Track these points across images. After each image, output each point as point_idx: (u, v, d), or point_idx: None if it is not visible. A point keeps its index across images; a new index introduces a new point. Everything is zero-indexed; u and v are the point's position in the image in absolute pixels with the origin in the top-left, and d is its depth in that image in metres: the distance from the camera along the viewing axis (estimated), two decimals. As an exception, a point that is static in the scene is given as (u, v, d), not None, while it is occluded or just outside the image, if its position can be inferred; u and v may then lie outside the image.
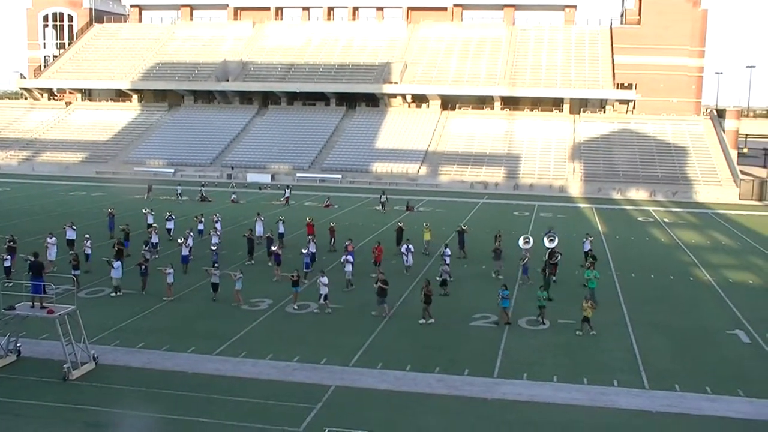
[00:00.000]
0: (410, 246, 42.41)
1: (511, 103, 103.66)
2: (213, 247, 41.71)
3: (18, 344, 26.78)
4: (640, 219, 66.56)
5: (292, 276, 34.56)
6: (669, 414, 23.30)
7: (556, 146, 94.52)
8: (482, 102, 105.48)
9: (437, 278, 37.49)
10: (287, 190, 70.85)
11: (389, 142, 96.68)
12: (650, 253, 50.47)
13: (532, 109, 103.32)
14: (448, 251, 41.84)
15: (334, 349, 28.48)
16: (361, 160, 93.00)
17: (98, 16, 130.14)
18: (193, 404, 23.16)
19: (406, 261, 41.79)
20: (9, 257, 37.94)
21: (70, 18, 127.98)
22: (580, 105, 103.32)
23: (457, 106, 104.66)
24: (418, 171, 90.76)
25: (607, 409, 23.52)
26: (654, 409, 23.56)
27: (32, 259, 28.52)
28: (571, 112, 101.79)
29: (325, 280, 33.71)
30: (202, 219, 50.90)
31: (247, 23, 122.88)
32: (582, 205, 74.37)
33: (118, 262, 35.92)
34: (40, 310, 25.77)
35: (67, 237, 43.65)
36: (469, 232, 48.91)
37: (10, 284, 29.19)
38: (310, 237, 44.61)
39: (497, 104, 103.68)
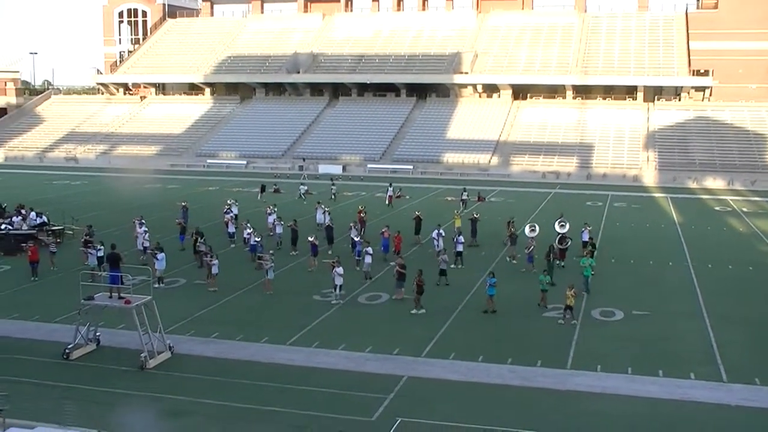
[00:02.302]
0: (441, 231, 42.48)
1: (583, 91, 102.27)
2: (257, 239, 41.63)
3: (97, 333, 27.46)
4: (716, 208, 65.13)
5: (333, 262, 34.70)
6: (748, 408, 22.76)
7: (629, 135, 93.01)
8: (554, 91, 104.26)
9: (442, 266, 36.94)
10: (333, 188, 68.28)
11: (460, 133, 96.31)
12: (728, 243, 49.34)
13: (604, 98, 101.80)
14: (461, 238, 41.71)
15: (407, 339, 28.50)
16: (432, 151, 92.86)
17: (171, 12, 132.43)
18: (265, 394, 23.43)
19: (437, 246, 41.67)
20: (101, 248, 38.53)
21: (144, 14, 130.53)
22: (655, 93, 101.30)
23: (528, 95, 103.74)
24: (490, 161, 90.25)
25: (683, 402, 23.08)
26: (733, 403, 23.04)
27: (111, 251, 29.18)
28: (645, 100, 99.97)
29: (340, 270, 33.72)
30: (275, 209, 51.06)
31: (317, 15, 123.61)
32: (656, 195, 73.08)
33: (162, 254, 36.45)
34: (118, 300, 26.30)
35: (136, 231, 44.35)
36: (481, 220, 48.78)
37: (103, 273, 29.65)
38: (351, 224, 44.92)
39: (569, 93, 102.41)
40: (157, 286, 34.84)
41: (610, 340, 28.86)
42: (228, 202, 53.94)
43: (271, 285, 35.07)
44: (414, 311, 32.16)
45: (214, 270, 35.73)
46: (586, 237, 43.24)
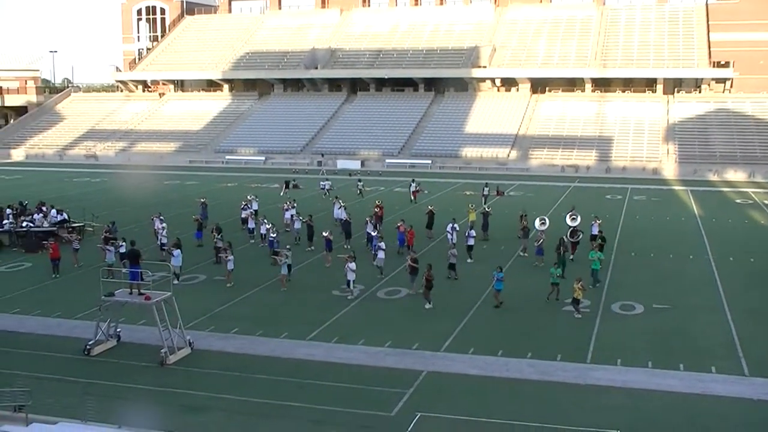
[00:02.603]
0: (455, 225, 42.46)
1: (602, 84, 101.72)
2: (273, 235, 41.63)
3: (118, 330, 27.67)
4: (738, 201, 64.66)
5: (347, 257, 34.95)
6: (770, 401, 22.64)
7: (649, 128, 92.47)
8: (572, 84, 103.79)
9: (451, 260, 36.97)
10: (360, 183, 67.93)
11: (478, 127, 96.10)
12: (749, 236, 48.96)
13: (624, 90, 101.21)
14: (473, 232, 41.69)
15: (426, 334, 28.51)
16: (450, 145, 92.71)
17: (189, 8, 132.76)
18: (285, 389, 23.49)
19: (450, 240, 41.61)
20: (123, 244, 38.72)
21: (162, 11, 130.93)
22: (674, 85, 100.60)
23: (547, 88, 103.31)
24: (508, 155, 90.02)
25: (704, 396, 22.95)
26: (755, 397, 22.88)
27: (131, 246, 29.33)
28: (664, 93, 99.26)
29: (352, 265, 33.70)
30: (295, 204, 51.04)
31: (334, 11, 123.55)
32: (677, 188, 72.65)
33: (178, 251, 36.49)
34: (138, 296, 26.45)
35: (155, 227, 44.46)
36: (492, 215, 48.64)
37: (123, 270, 29.82)
38: (368, 219, 44.95)
39: (588, 86, 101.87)
40: (176, 282, 34.65)
41: (631, 333, 28.73)
42: (248, 197, 54.03)
43: (285, 281, 35.16)
44: (427, 306, 32.15)
45: (230, 266, 35.85)
46: (595, 230, 43.02)
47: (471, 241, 41.04)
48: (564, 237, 39.64)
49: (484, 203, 57.79)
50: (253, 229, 45.88)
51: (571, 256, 39.62)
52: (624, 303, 32.55)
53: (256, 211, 50.24)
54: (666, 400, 22.65)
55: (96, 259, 38.92)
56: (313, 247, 43.00)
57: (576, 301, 30.77)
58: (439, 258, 37.54)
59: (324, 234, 40.75)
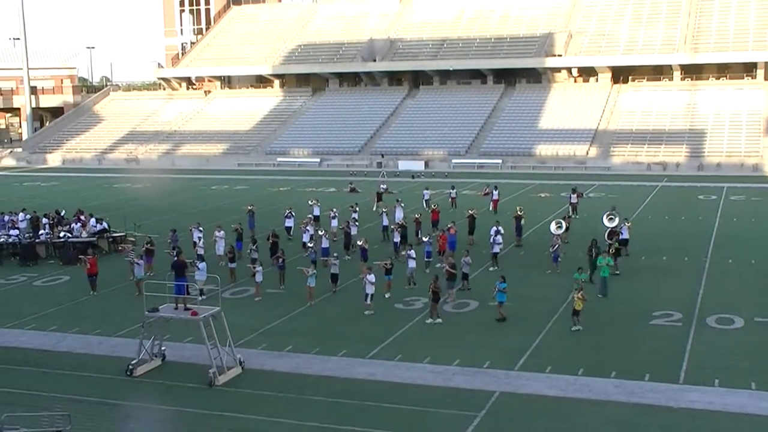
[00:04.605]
0: (500, 228, 42.50)
1: (693, 71, 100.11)
2: (310, 245, 41.73)
3: (162, 348, 27.97)
4: None
5: (386, 264, 35.17)
6: None
7: (747, 119, 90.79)
8: (659, 72, 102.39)
9: (464, 269, 36.80)
10: (382, 186, 67.03)
11: (554, 122, 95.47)
12: None
13: (718, 78, 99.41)
14: (499, 238, 41.51)
15: (498, 351, 28.39)
16: (522, 143, 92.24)
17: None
18: (345, 411, 23.58)
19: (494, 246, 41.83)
20: (145, 258, 39.31)
21: (207, 1, 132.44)
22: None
23: (630, 78, 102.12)
24: (587, 152, 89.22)
25: (815, 420, 22.48)
26: None
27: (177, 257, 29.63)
28: (766, 79, 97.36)
29: (371, 278, 33.63)
30: (357, 209, 51.21)
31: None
32: (780, 186, 71.29)
33: (203, 263, 35.54)
34: (184, 311, 26.69)
35: (193, 239, 44.78)
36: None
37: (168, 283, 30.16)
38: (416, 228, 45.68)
39: (676, 74, 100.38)
40: (201, 298, 32.84)
41: (729, 350, 28.22)
42: (309, 202, 54.87)
43: (312, 293, 35.29)
44: (429, 321, 32.18)
45: (258, 278, 36.15)
46: (626, 234, 43.05)
47: (496, 249, 41.18)
48: (596, 239, 39.45)
49: (573, 212, 55.05)
50: (312, 235, 45.97)
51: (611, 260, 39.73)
52: (721, 316, 31.98)
53: (317, 216, 50.91)
54: (771, 425, 22.24)
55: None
56: (349, 257, 43.12)
57: (576, 312, 30.66)
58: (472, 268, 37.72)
59: (358, 243, 41.21)
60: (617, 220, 43.78)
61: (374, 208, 57.92)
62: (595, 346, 28.90)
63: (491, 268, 40.16)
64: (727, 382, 25.19)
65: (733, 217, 55.09)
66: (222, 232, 43.85)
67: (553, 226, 43.51)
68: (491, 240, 41.49)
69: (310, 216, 49.85)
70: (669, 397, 24.10)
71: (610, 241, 40.59)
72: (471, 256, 37.60)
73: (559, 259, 40.25)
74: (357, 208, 50.90)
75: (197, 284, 34.57)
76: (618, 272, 38.52)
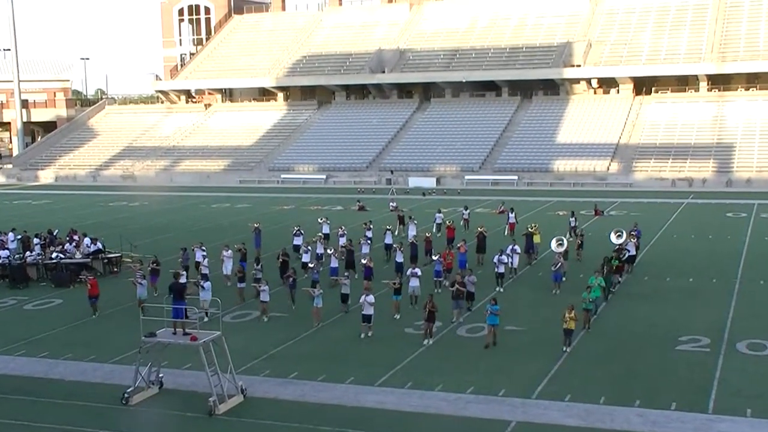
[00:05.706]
0: (516, 247, 43.36)
1: (720, 81, 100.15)
2: (311, 265, 41.88)
3: (160, 375, 27.90)
4: None
5: (394, 283, 35.35)
6: None
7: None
8: (684, 82, 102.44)
9: (469, 288, 36.78)
10: (392, 204, 68.83)
11: (572, 136, 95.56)
12: None
13: (747, 88, 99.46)
14: (504, 258, 41.44)
15: (514, 377, 28.31)
16: (539, 158, 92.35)
17: (237, 7, 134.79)
18: (353, 442, 23.52)
19: (511, 263, 42.49)
20: (184, 273, 39.31)
21: (207, 10, 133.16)
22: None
23: (653, 89, 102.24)
24: (608, 168, 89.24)
25: None
26: None
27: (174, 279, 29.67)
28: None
29: (370, 299, 33.54)
30: (371, 226, 52.07)
31: (403, 5, 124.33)
32: (814, 203, 71.08)
33: (208, 283, 36.54)
34: (183, 336, 26.61)
35: (196, 259, 44.91)
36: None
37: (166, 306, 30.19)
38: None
39: (703, 84, 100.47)
40: (206, 319, 33.81)
41: (762, 378, 28.05)
42: (319, 220, 55.69)
43: (319, 314, 35.33)
44: (426, 341, 32.29)
45: (263, 297, 36.31)
46: (632, 250, 43.72)
47: (501, 269, 41.12)
48: (607, 257, 40.10)
49: (572, 235, 53.55)
50: (321, 255, 46.11)
51: (620, 279, 40.71)
52: (752, 341, 31.81)
53: (327, 235, 51.54)
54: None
55: (136, 295, 39.36)
56: (353, 276, 42.52)
57: (568, 332, 30.76)
58: (478, 288, 37.66)
59: (363, 261, 41.39)
60: (624, 236, 44.39)
61: (396, 233, 54.76)
62: (618, 373, 28.76)
63: (498, 289, 40.04)
64: (760, 411, 24.99)
65: (764, 236, 54.93)
66: (230, 251, 44.09)
67: (553, 244, 43.39)
68: (495, 259, 41.32)
69: (320, 234, 50.52)
70: (697, 428, 23.94)
71: (602, 261, 40.17)
72: (483, 276, 37.63)
73: (564, 279, 40.54)
74: (371, 226, 51.49)
75: (202, 305, 34.81)
76: (614, 291, 39.09)
